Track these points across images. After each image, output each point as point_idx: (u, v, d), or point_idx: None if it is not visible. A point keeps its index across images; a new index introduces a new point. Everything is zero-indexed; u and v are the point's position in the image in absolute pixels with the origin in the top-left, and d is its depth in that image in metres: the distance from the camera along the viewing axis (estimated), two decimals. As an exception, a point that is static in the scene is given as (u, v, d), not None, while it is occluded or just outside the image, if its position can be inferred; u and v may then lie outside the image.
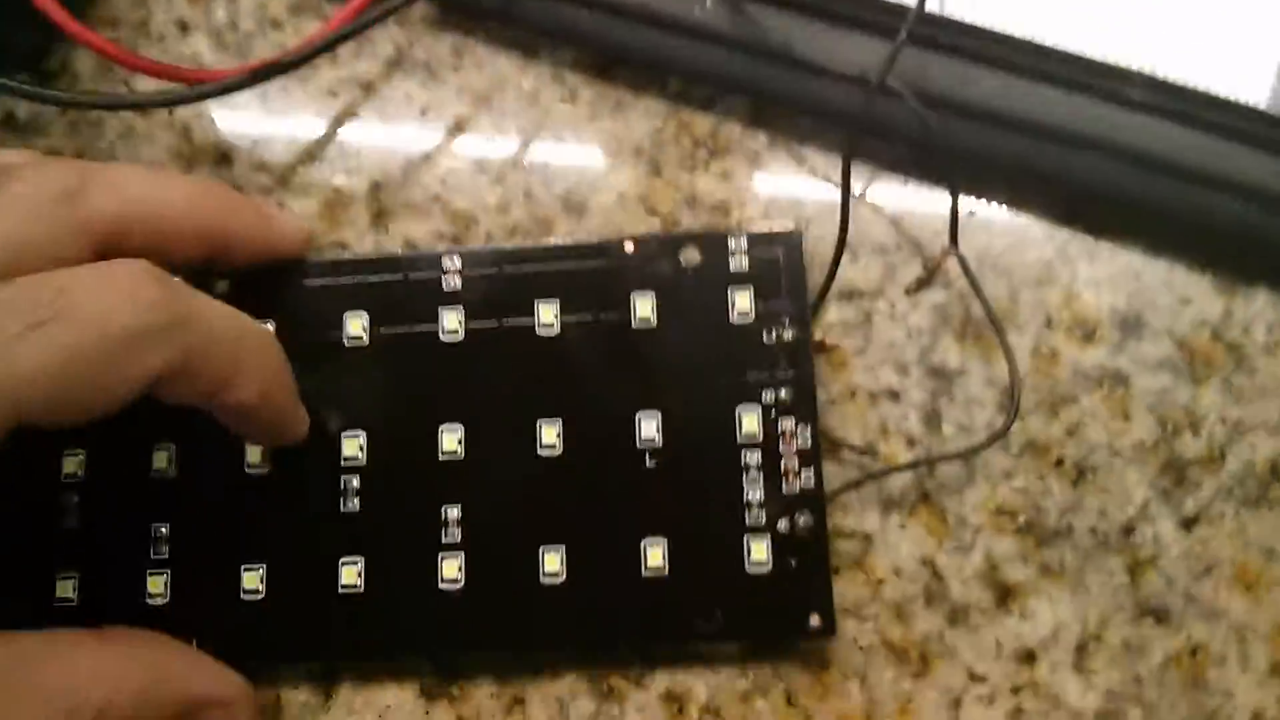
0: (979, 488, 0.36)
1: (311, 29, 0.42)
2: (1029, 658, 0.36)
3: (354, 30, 0.37)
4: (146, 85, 0.40)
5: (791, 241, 0.37)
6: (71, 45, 0.42)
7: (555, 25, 0.40)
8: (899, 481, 0.37)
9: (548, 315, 0.37)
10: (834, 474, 0.36)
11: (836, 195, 0.38)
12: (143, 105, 0.37)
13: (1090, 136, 0.37)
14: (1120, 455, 0.37)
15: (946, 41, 0.37)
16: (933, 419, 0.37)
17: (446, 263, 0.37)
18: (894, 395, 0.37)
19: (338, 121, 0.41)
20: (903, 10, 0.37)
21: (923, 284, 0.38)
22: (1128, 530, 0.36)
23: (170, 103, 0.37)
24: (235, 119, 0.40)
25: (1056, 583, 0.36)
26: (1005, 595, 0.36)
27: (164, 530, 0.36)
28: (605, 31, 0.39)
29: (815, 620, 0.35)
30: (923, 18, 0.36)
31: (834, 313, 0.38)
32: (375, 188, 0.40)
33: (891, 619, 0.36)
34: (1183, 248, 0.38)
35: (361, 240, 0.39)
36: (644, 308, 0.36)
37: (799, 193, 0.39)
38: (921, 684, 0.36)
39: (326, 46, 0.37)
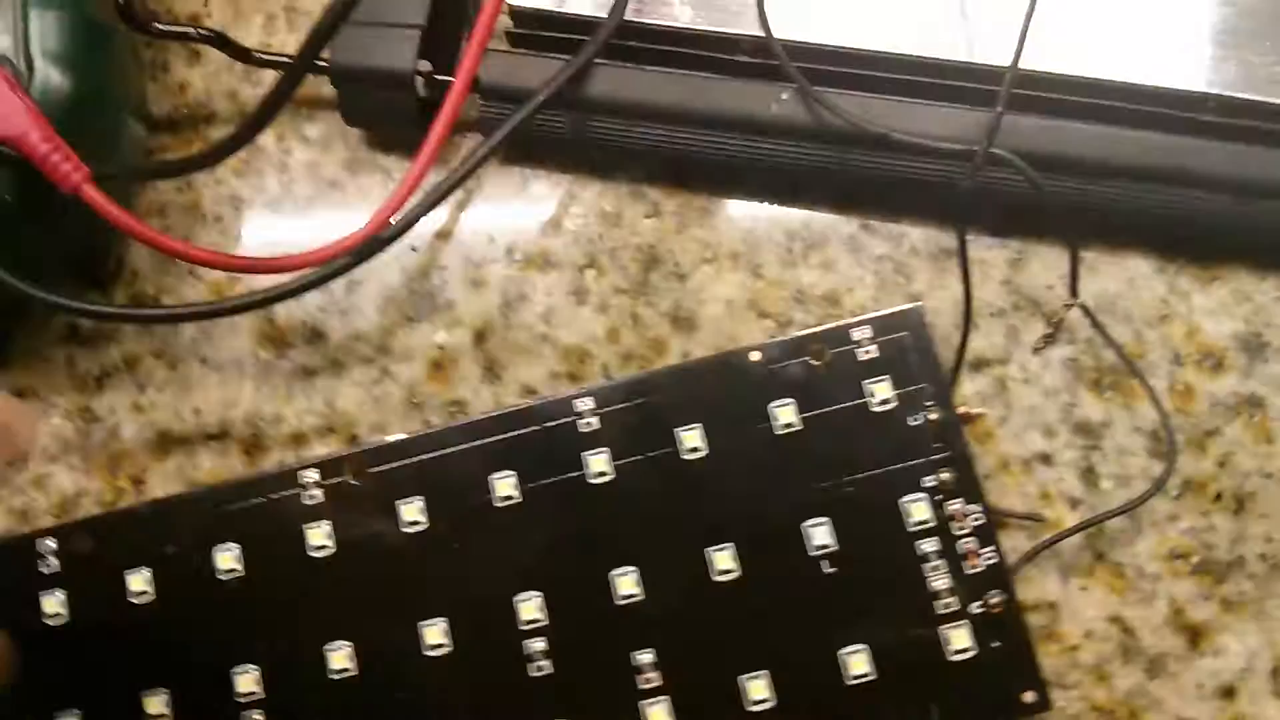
0: (1148, 537, 0.36)
1: (373, 184, 0.41)
2: (1229, 693, 0.36)
3: (451, 187, 0.36)
4: (213, 271, 0.39)
5: (915, 320, 0.37)
6: (124, 241, 0.40)
7: (627, 143, 0.39)
8: (1071, 544, 0.36)
9: (692, 440, 0.36)
10: (1006, 547, 0.36)
11: (941, 266, 0.38)
12: (245, 308, 0.36)
13: (1181, 170, 0.37)
14: (1273, 478, 0.37)
15: (1030, 97, 0.37)
16: (1089, 476, 0.37)
17: (579, 405, 0.37)
18: (1046, 459, 0.37)
19: (423, 276, 0.40)
20: (985, 74, 0.36)
21: (1049, 340, 0.38)
22: (1295, 550, 0.36)
23: (272, 300, 0.36)
24: (315, 291, 0.39)
25: (1240, 615, 0.36)
26: (1195, 637, 0.36)
27: (361, 733, 0.35)
28: (680, 143, 0.38)
29: (1030, 696, 0.35)
30: (1016, 79, 0.35)
31: (968, 385, 0.37)
32: (479, 338, 0.39)
33: (1094, 682, 0.36)
34: (1284, 261, 0.38)
35: (478, 396, 0.39)
36: (785, 415, 0.36)
37: (905, 269, 0.38)
38: (1134, 741, 0.36)
39: (424, 210, 0.36)
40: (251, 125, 0.33)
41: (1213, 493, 0.37)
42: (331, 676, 0.35)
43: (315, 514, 0.36)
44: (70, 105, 0.36)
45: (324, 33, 0.31)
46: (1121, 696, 0.36)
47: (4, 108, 0.34)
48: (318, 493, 0.36)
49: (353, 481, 0.36)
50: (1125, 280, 0.38)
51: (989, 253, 0.38)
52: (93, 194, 0.34)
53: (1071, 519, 0.37)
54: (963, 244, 0.36)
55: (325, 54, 0.36)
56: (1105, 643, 0.36)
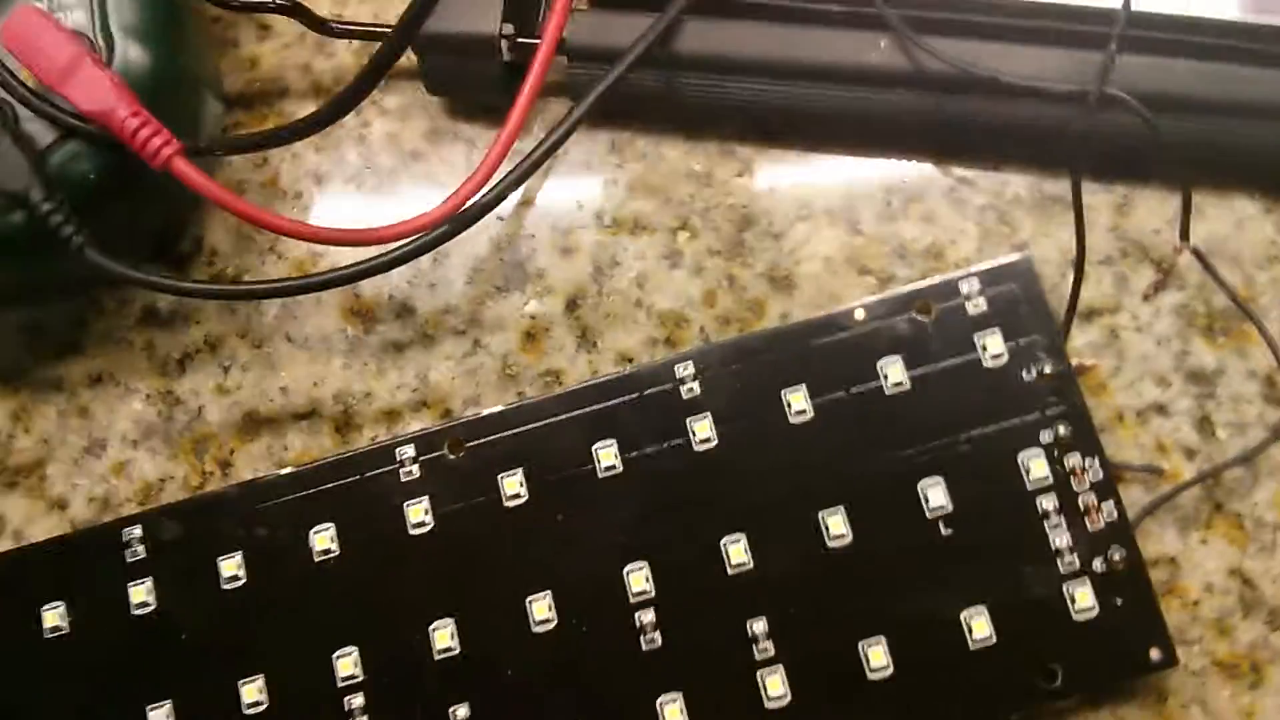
0: (1265, 485, 0.36)
1: (455, 154, 0.40)
2: (1356, 643, 0.35)
3: (545, 154, 0.35)
4: (294, 248, 0.38)
5: (1024, 271, 0.36)
6: (203, 220, 0.40)
7: (718, 100, 0.38)
8: (1189, 497, 0.35)
9: (799, 402, 0.35)
10: (1124, 501, 0.35)
11: (1045, 214, 0.37)
12: (338, 282, 0.35)
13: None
14: (1394, 416, 0.36)
15: (1138, 37, 0.36)
16: (1205, 425, 0.36)
17: (679, 370, 0.36)
18: (1161, 409, 0.36)
19: (510, 244, 0.39)
20: (1092, 15, 0.35)
21: (1159, 287, 0.37)
22: None
23: (362, 275, 0.35)
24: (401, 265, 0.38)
25: (1363, 561, 0.35)
26: (1319, 586, 0.35)
27: (463, 713, 0.34)
28: (773, 97, 0.38)
29: (1156, 654, 0.34)
30: (1129, 19, 0.34)
31: (1078, 336, 0.37)
32: (571, 306, 0.38)
33: (1215, 636, 0.35)
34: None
35: (574, 365, 0.38)
36: (894, 373, 0.35)
37: (1008, 219, 0.37)
38: (1260, 694, 0.35)
39: (522, 177, 0.35)
40: (349, 95, 0.32)
41: (1331, 437, 0.36)
42: (436, 656, 0.34)
43: (413, 491, 0.36)
44: (152, 80, 0.35)
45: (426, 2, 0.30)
46: (1244, 650, 0.35)
47: (90, 83, 0.33)
48: (415, 469, 0.35)
49: (450, 456, 0.36)
50: (1233, 222, 0.37)
51: (1094, 198, 0.37)
52: (185, 169, 0.33)
53: (1189, 470, 0.36)
54: (1077, 189, 0.35)
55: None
56: (1226, 596, 0.35)
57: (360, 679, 0.34)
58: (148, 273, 0.36)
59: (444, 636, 0.34)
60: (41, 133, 0.34)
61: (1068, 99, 0.35)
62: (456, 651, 0.34)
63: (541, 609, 0.34)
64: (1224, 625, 0.35)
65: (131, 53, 0.35)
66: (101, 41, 0.34)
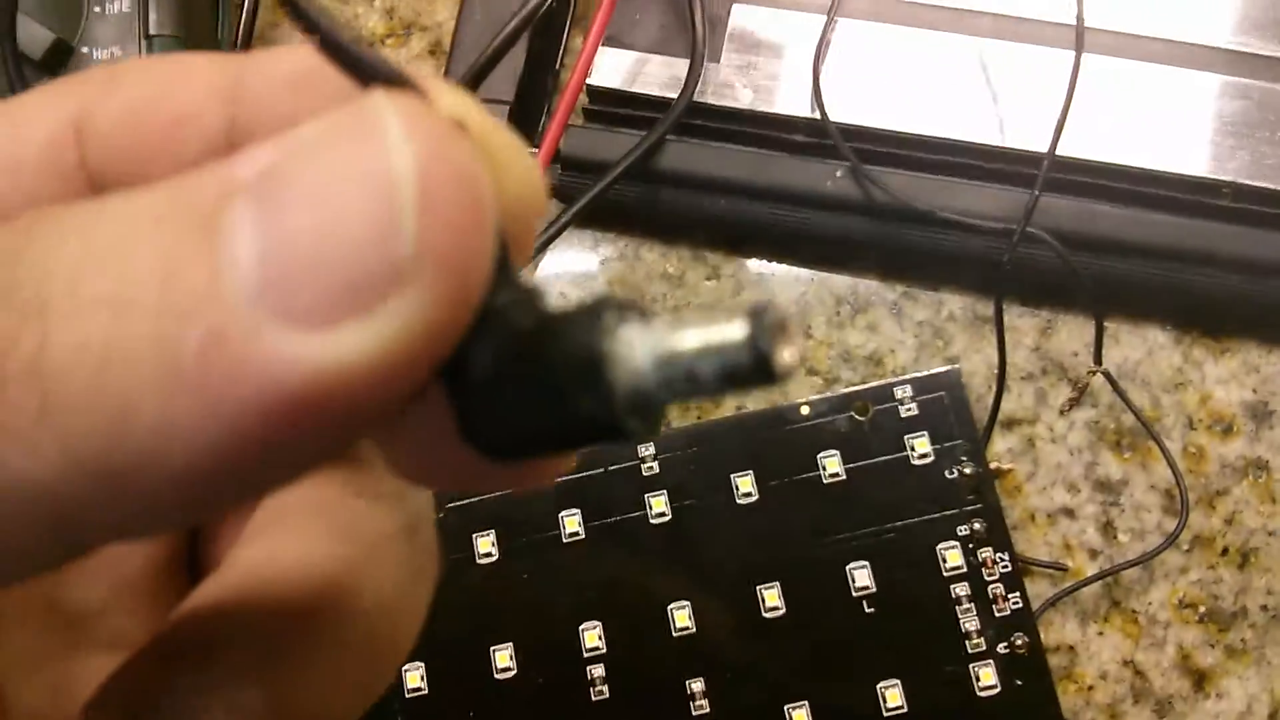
0: (1160, 586, 0.40)
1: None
2: (1232, 735, 0.39)
3: (537, 251, 0.40)
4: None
5: (953, 381, 0.40)
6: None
7: (691, 212, 0.42)
8: (1089, 592, 0.40)
9: (746, 486, 0.39)
10: (1030, 593, 0.39)
11: (976, 332, 0.42)
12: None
13: (1197, 251, 0.40)
14: (1275, 535, 0.40)
15: (1065, 182, 0.40)
16: (1108, 529, 0.40)
17: (642, 450, 0.40)
18: (1069, 512, 0.41)
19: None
20: (1022, 158, 0.40)
21: (1074, 403, 0.41)
22: (1296, 602, 0.40)
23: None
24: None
25: (1241, 661, 0.39)
26: (1200, 680, 0.39)
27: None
28: (741, 213, 0.42)
29: (1050, 733, 0.38)
30: (1052, 164, 0.39)
31: (999, 442, 0.41)
32: (550, 386, 0.42)
33: (1107, 720, 0.39)
34: (1292, 336, 0.42)
35: (549, 438, 0.42)
36: (832, 465, 0.40)
37: (943, 334, 0.42)
38: (1143, 775, 0.39)
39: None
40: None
41: (1220, 547, 0.40)
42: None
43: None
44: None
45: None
46: (1133, 734, 0.39)
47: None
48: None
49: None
50: (1145, 350, 0.41)
51: (1020, 321, 0.42)
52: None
53: (1091, 568, 0.40)
54: (999, 314, 0.40)
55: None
56: (1119, 684, 0.39)
57: None
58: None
59: (414, 679, 0.38)
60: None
61: (995, 234, 0.39)
62: (424, 691, 0.38)
63: (504, 658, 0.38)
64: (1115, 711, 0.39)
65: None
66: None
